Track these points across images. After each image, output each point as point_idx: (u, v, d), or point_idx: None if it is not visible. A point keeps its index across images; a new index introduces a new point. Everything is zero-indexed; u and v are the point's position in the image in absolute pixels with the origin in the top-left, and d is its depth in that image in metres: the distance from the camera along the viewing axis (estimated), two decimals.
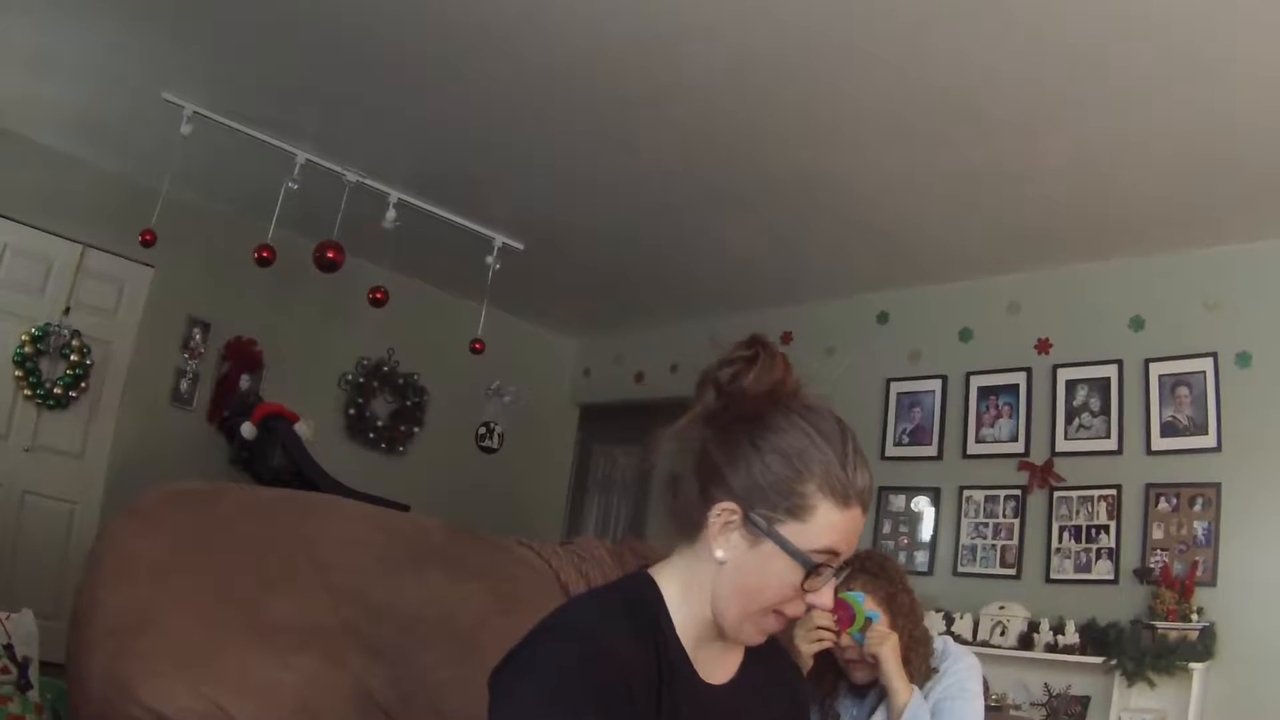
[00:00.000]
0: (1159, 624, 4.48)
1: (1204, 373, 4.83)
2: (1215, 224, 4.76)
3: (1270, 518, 4.46)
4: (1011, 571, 5.21)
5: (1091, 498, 5.03)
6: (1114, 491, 4.95)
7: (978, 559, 5.36)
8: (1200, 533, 4.63)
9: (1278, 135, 3.98)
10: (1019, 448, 5.39)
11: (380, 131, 5.15)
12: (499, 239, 6.03)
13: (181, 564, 2.11)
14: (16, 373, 5.53)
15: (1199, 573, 4.54)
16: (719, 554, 1.28)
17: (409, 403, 7.21)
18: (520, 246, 6.11)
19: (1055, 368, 5.35)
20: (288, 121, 5.08)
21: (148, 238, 4.99)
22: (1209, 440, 4.74)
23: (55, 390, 5.63)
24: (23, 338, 5.55)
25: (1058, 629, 4.80)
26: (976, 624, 5.05)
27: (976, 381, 5.67)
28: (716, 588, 1.29)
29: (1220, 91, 3.75)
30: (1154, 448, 4.92)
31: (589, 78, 4.32)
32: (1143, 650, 4.47)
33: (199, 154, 5.20)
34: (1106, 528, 4.93)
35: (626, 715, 1.17)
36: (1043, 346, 5.43)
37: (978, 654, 2.39)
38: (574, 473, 8.08)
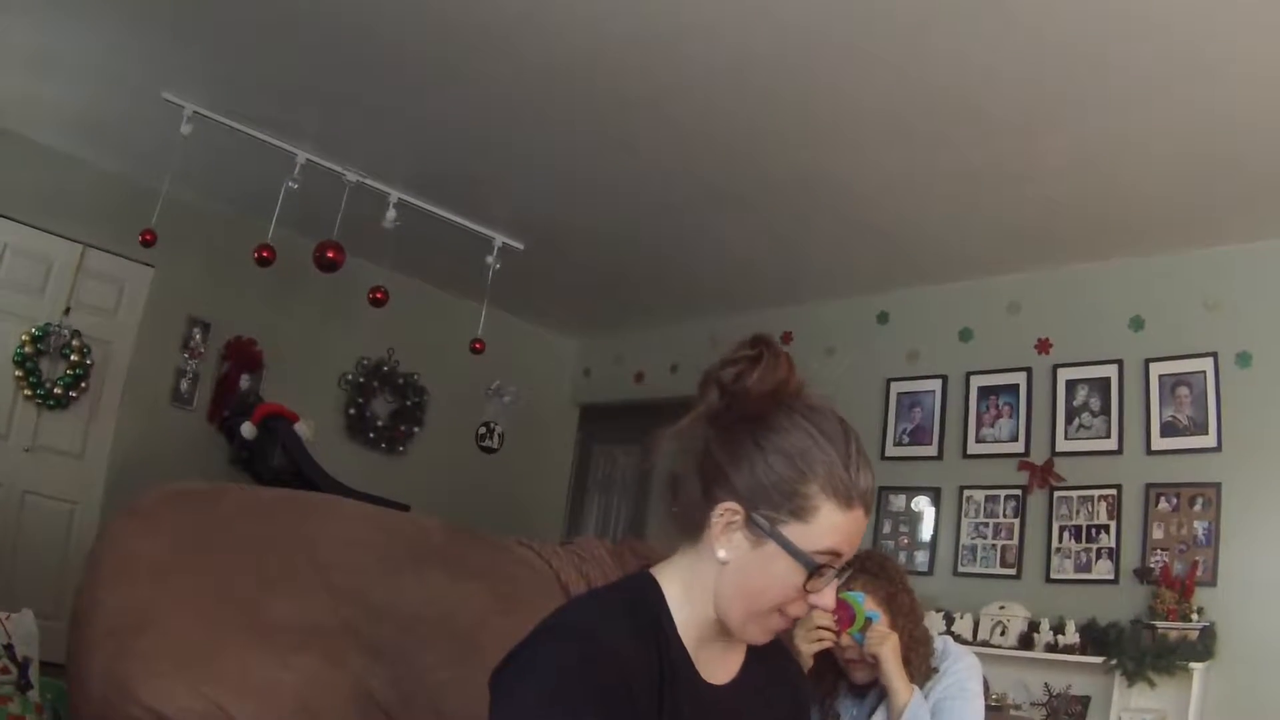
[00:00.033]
0: (1159, 624, 4.48)
1: (1204, 373, 4.83)
2: (1215, 224, 4.76)
3: (1270, 518, 4.46)
4: (1012, 571, 5.21)
5: (1092, 498, 5.03)
6: (1114, 491, 4.95)
7: (978, 559, 5.36)
8: (1200, 533, 4.63)
9: (1278, 135, 3.98)
10: (1019, 448, 5.39)
11: (380, 131, 5.15)
12: (499, 239, 6.03)
13: (181, 564, 2.11)
14: (17, 373, 5.53)
15: (1199, 573, 4.54)
16: (721, 554, 1.27)
17: (409, 403, 7.21)
18: (520, 246, 6.11)
19: (1055, 368, 5.35)
20: (288, 121, 5.08)
21: (148, 238, 4.99)
22: (1209, 440, 4.74)
23: (55, 390, 5.63)
24: (23, 338, 5.55)
25: (1058, 629, 4.80)
26: (977, 624, 5.05)
27: (977, 381, 5.67)
28: (719, 588, 1.29)
29: (1220, 91, 3.75)
30: (1154, 448, 4.92)
31: (589, 78, 4.32)
32: (1143, 650, 4.47)
33: (199, 154, 5.20)
34: (1107, 527, 4.94)
35: (627, 716, 1.17)
36: (1043, 346, 5.43)
37: (978, 654, 2.39)
38: (574, 473, 8.07)
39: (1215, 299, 4.87)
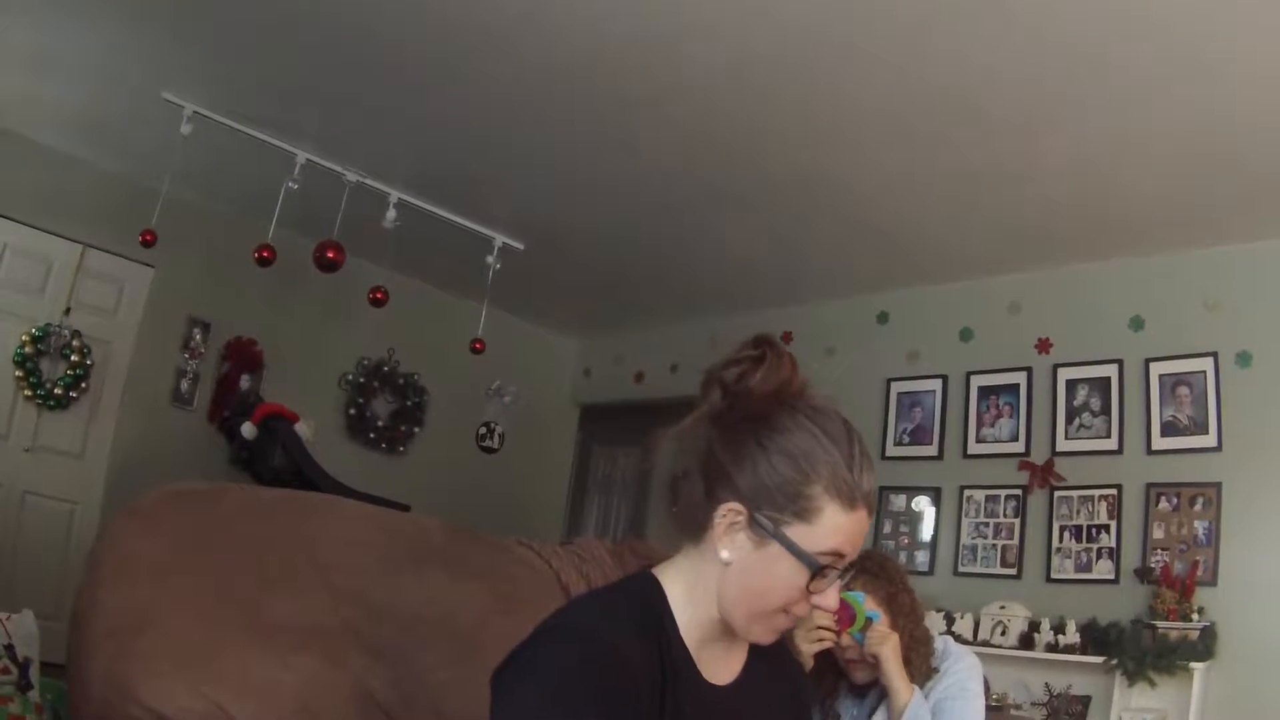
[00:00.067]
0: (1160, 624, 4.47)
1: (1204, 372, 4.83)
2: (1215, 224, 4.76)
3: (1271, 517, 4.46)
4: (1012, 571, 5.21)
5: (1092, 497, 5.03)
6: (1114, 491, 4.95)
7: (978, 559, 5.36)
8: (1201, 532, 4.63)
9: (1278, 135, 3.98)
10: (1019, 447, 5.39)
11: (380, 131, 5.15)
12: (499, 239, 6.03)
13: (182, 564, 2.11)
14: (17, 373, 5.53)
15: (1199, 572, 4.54)
16: (724, 555, 1.27)
17: (409, 403, 7.21)
18: (520, 246, 6.11)
19: (1055, 367, 5.35)
20: (288, 121, 5.08)
21: (148, 238, 4.99)
22: (1209, 440, 4.74)
23: (55, 390, 5.63)
24: (23, 338, 5.55)
25: (1058, 629, 4.80)
26: (977, 624, 5.05)
27: (977, 381, 5.67)
28: (722, 589, 1.28)
29: (1220, 91, 3.74)
30: (1154, 447, 4.92)
31: (589, 78, 4.32)
32: (1143, 650, 4.47)
33: (199, 154, 5.20)
34: (1107, 527, 4.93)
35: (628, 716, 1.16)
36: (1043, 346, 5.43)
37: (978, 654, 2.39)
38: (574, 473, 8.07)
39: (1215, 299, 4.87)
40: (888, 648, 2.17)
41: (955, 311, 5.84)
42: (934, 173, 4.68)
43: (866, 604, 2.21)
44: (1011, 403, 5.49)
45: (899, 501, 5.76)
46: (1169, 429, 4.89)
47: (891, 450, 5.87)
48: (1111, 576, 4.85)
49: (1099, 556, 4.92)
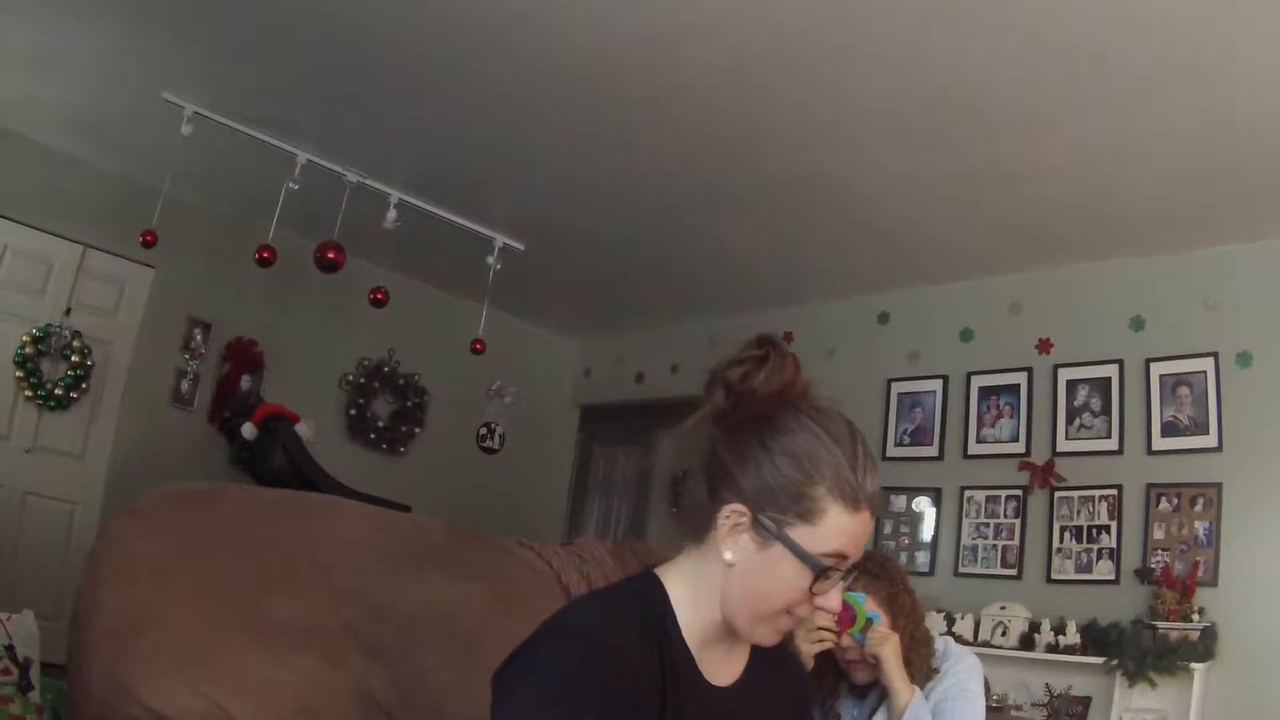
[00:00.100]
0: (1160, 624, 4.47)
1: (1205, 373, 4.83)
2: (1215, 224, 4.76)
3: (1271, 518, 4.46)
4: (1012, 572, 5.21)
5: (1092, 498, 5.02)
6: (1115, 491, 4.95)
7: (979, 559, 5.36)
8: (1201, 533, 4.63)
9: (1278, 135, 3.98)
10: (1020, 448, 5.38)
11: (380, 132, 5.15)
12: (499, 239, 6.03)
13: (182, 564, 2.10)
14: (17, 373, 5.53)
15: (1200, 573, 4.54)
16: (728, 556, 1.27)
17: (410, 403, 7.21)
18: (521, 247, 6.11)
19: (1056, 368, 5.35)
20: (288, 122, 5.08)
21: (148, 238, 4.99)
22: (1210, 440, 4.74)
23: (56, 391, 5.63)
24: (24, 339, 5.55)
25: (1059, 629, 4.80)
26: (977, 624, 5.05)
27: (977, 381, 5.67)
28: (726, 590, 1.28)
29: (1220, 91, 3.74)
30: (1155, 448, 4.91)
31: (589, 78, 4.32)
32: (1144, 650, 4.47)
33: (199, 154, 5.20)
34: (1107, 528, 4.93)
35: (629, 717, 1.16)
36: (1043, 346, 5.43)
37: (979, 654, 2.39)
38: (575, 473, 8.07)
39: (1216, 299, 4.87)
40: (888, 648, 2.17)
41: (956, 312, 5.84)
42: (934, 173, 4.68)
43: (867, 605, 2.21)
44: (1012, 403, 5.49)
45: (899, 502, 5.76)
46: (1169, 429, 4.89)
47: (892, 451, 5.87)
48: (1112, 577, 4.85)
49: (1099, 557, 4.92)
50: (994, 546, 5.32)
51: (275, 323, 6.48)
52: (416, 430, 7.24)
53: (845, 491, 1.24)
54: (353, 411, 6.95)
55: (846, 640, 2.21)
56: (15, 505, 5.48)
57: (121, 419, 5.95)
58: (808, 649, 2.21)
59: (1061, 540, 5.07)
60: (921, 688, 2.19)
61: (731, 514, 1.26)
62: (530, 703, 1.14)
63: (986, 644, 4.89)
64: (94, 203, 5.80)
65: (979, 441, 5.57)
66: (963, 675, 2.24)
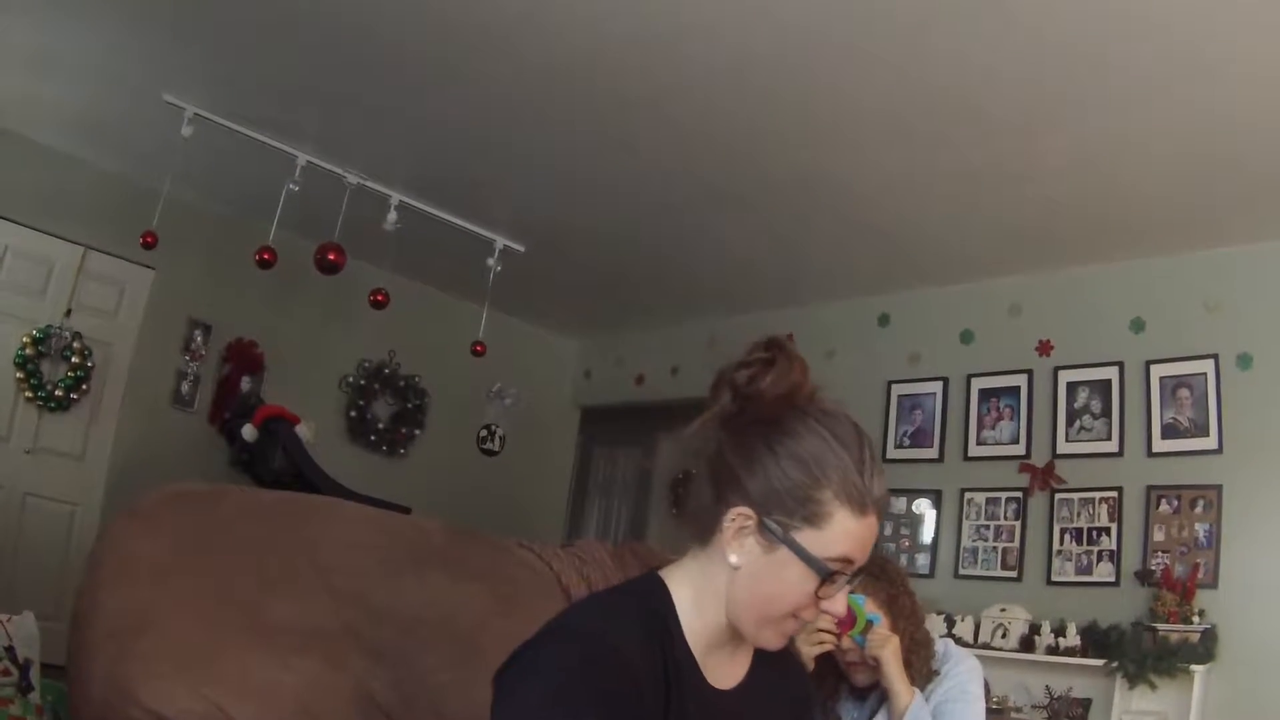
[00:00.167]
0: (1160, 626, 4.47)
1: (1205, 374, 4.83)
2: (1216, 225, 4.76)
3: (1271, 519, 4.46)
4: (1013, 574, 5.21)
5: (1093, 500, 5.02)
6: (1115, 493, 4.95)
7: (979, 561, 5.36)
8: (1201, 535, 4.63)
9: (1278, 135, 3.97)
10: (1020, 450, 5.38)
11: (380, 132, 5.15)
12: (500, 241, 6.03)
13: (182, 565, 2.10)
14: (18, 375, 5.53)
15: (1200, 575, 4.54)
16: (733, 559, 1.26)
17: (410, 405, 7.21)
18: (521, 249, 6.11)
19: (1056, 370, 5.35)
20: (288, 122, 5.08)
21: (149, 239, 4.99)
22: (1210, 442, 4.74)
23: (56, 392, 5.63)
24: (24, 340, 5.55)
25: (1059, 631, 4.79)
26: (978, 626, 5.05)
27: (977, 384, 5.67)
28: (731, 593, 1.27)
29: (1220, 91, 3.74)
30: (1155, 449, 4.91)
31: (589, 78, 4.32)
32: (1144, 652, 4.46)
33: (200, 155, 5.20)
34: (1108, 530, 4.93)
35: (630, 718, 1.16)
36: (1044, 348, 5.43)
37: (979, 656, 2.39)
38: (575, 475, 8.07)
39: (1216, 300, 4.87)
40: (888, 650, 2.16)
41: (956, 313, 5.84)
42: (934, 173, 4.68)
43: (867, 606, 2.20)
44: (1012, 405, 5.49)
45: (900, 504, 5.75)
46: (1169, 431, 4.89)
47: (892, 453, 5.86)
48: (1112, 579, 4.85)
49: (1099, 559, 4.92)
50: (994, 548, 5.32)
51: (275, 324, 6.48)
52: (417, 432, 7.24)
53: (852, 496, 1.24)
54: (353, 413, 6.95)
55: (847, 642, 2.21)
56: (15, 506, 5.48)
57: (122, 420, 5.96)
58: (808, 651, 2.21)
59: (1062, 542, 5.07)
60: (922, 690, 2.19)
61: (737, 517, 1.25)
62: (531, 703, 1.14)
63: (987, 646, 4.89)
64: (94, 204, 5.80)
65: (979, 443, 5.57)
66: (963, 677, 2.24)
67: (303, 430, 6.00)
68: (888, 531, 5.74)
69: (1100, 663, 4.59)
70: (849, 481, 1.24)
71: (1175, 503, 4.75)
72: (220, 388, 6.36)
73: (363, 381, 7.01)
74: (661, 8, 3.76)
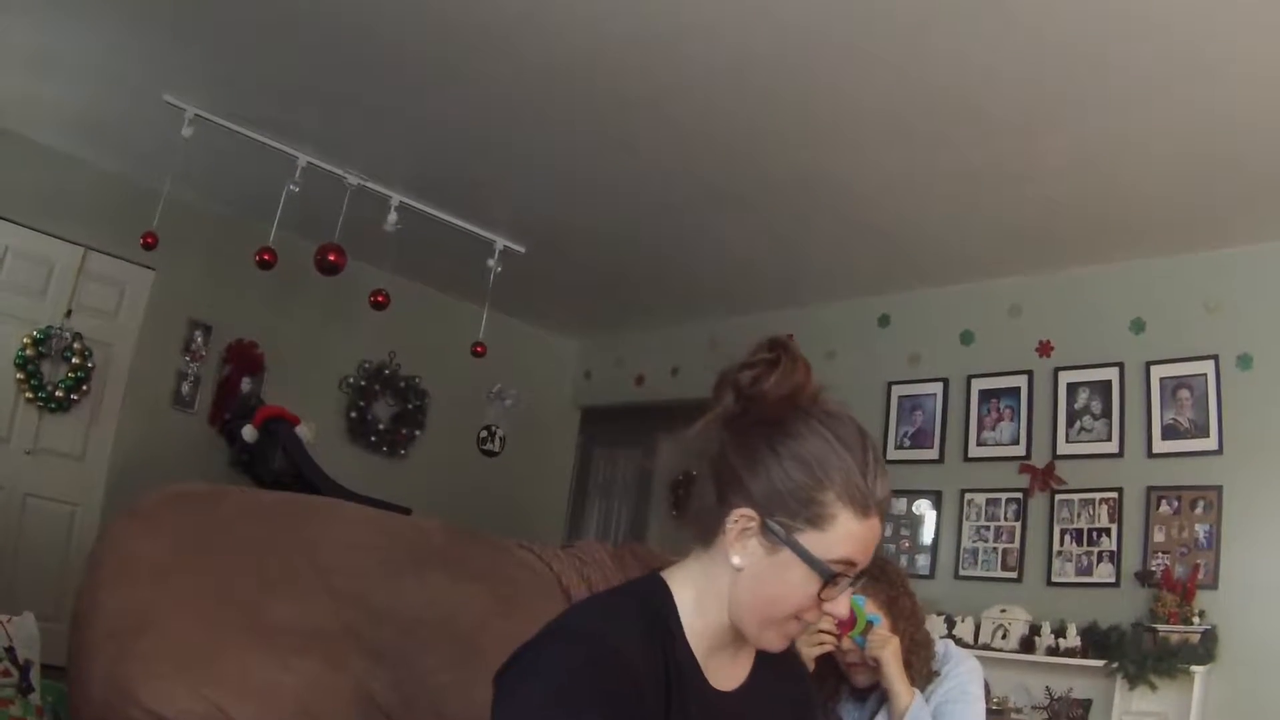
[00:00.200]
0: (1160, 627, 4.47)
1: (1205, 375, 4.83)
2: (1216, 225, 4.76)
3: (1272, 520, 4.46)
4: (1013, 574, 5.21)
5: (1093, 500, 5.02)
6: (1115, 494, 4.95)
7: (979, 562, 5.36)
8: (1202, 535, 4.63)
9: (1278, 135, 3.97)
10: (1020, 450, 5.38)
11: (380, 132, 5.15)
12: (500, 242, 6.03)
13: (182, 566, 2.10)
14: (18, 375, 5.53)
15: (1200, 575, 4.54)
16: (736, 560, 1.26)
17: (410, 406, 7.21)
18: (521, 250, 6.11)
19: (1056, 370, 5.35)
20: (288, 123, 5.08)
21: (149, 240, 4.99)
22: (1210, 443, 4.74)
23: (57, 393, 5.63)
24: (24, 340, 5.55)
25: (1059, 632, 4.79)
26: (978, 627, 5.05)
27: (978, 384, 5.67)
28: (734, 595, 1.27)
29: (1220, 91, 3.74)
30: (1155, 450, 4.91)
31: (589, 78, 4.32)
32: (1144, 653, 4.46)
33: (200, 156, 5.20)
34: (1108, 530, 4.93)
35: (631, 719, 1.16)
36: (1044, 349, 5.43)
37: (979, 657, 2.39)
38: (575, 476, 8.07)
39: (1216, 301, 4.87)
40: (889, 651, 2.16)
41: (956, 314, 5.84)
42: (934, 173, 4.68)
43: (867, 607, 2.20)
44: (1012, 406, 5.49)
45: (900, 505, 5.75)
46: (1170, 432, 4.89)
47: (892, 453, 5.87)
48: (1112, 580, 4.85)
49: (1100, 560, 4.92)
50: (994, 549, 5.31)
51: (276, 325, 6.48)
52: (417, 433, 7.24)
53: (855, 497, 1.23)
54: (353, 414, 6.95)
55: (847, 643, 2.20)
56: (16, 507, 5.48)
57: (122, 421, 5.96)
58: (808, 652, 2.20)
59: (1062, 543, 5.07)
60: (922, 690, 2.19)
61: (740, 518, 1.25)
62: (532, 703, 1.14)
63: (987, 647, 4.89)
64: (94, 204, 5.81)
65: (979, 444, 5.57)
66: (963, 678, 2.24)
67: (303, 431, 6.00)
68: (888, 532, 5.74)
69: (1100, 663, 4.59)
70: (852, 483, 1.23)
71: (1175, 504, 4.75)
72: (220, 388, 6.36)
73: (363, 382, 7.01)
74: (661, 8, 3.76)
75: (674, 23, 3.83)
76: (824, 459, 1.24)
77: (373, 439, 7.02)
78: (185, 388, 6.24)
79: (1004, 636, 4.94)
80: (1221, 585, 4.51)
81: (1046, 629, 4.84)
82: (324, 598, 2.21)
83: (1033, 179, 4.60)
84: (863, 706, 2.29)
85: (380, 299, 5.56)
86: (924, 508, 5.68)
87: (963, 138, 4.34)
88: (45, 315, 5.67)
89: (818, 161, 4.73)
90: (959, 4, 3.47)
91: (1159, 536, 4.76)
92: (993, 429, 5.54)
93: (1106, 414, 5.11)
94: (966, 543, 5.43)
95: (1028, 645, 4.87)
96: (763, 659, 1.38)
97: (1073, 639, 4.73)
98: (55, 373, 5.66)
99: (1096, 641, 4.67)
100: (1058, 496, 5.15)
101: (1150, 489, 4.84)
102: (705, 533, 1.30)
